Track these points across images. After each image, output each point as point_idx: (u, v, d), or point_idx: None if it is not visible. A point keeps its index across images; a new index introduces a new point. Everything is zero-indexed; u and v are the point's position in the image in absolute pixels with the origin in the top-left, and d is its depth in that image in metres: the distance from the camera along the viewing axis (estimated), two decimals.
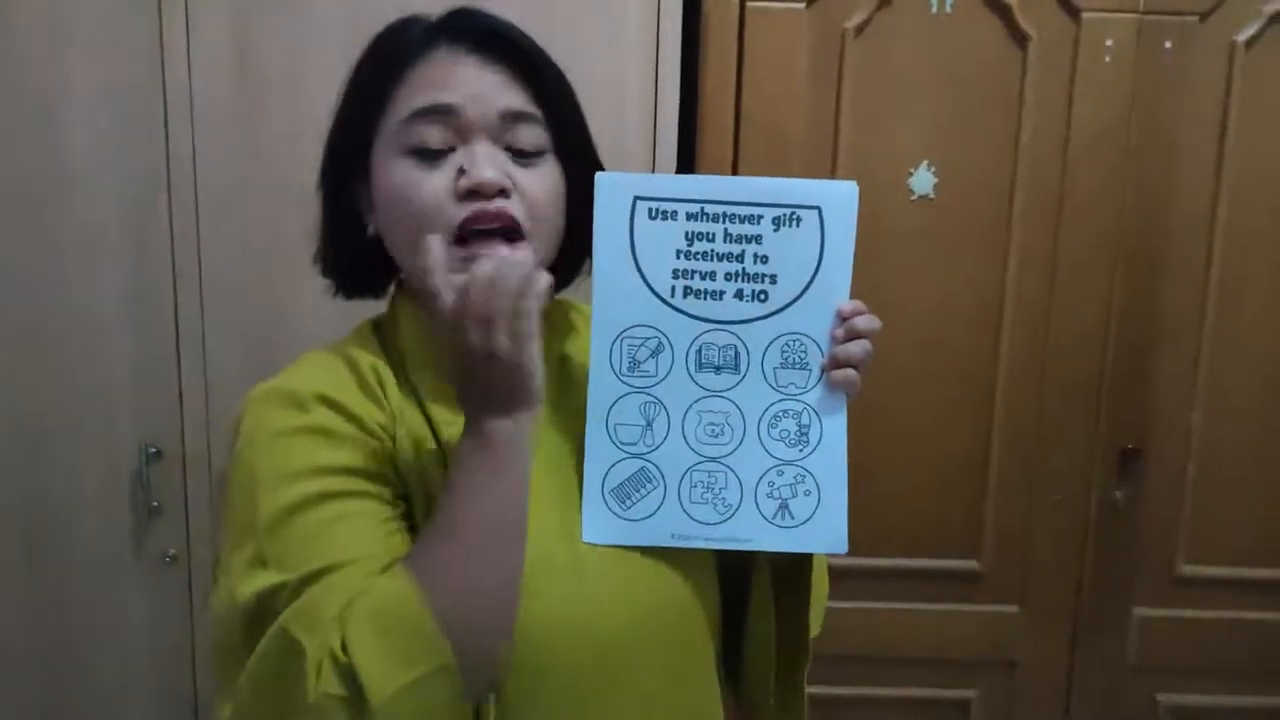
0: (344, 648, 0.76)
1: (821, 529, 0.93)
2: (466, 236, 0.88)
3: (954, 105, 1.75)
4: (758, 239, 0.89)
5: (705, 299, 0.90)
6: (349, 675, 0.75)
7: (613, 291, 0.90)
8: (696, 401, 0.92)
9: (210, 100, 1.68)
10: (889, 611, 1.90)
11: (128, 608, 1.82)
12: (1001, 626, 1.92)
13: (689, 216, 0.89)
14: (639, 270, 0.89)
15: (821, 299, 0.90)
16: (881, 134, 1.76)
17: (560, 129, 0.93)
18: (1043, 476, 1.86)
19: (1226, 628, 1.93)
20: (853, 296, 0.90)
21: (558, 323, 1.02)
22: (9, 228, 1.70)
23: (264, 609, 0.80)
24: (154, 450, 1.76)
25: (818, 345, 0.91)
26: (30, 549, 1.79)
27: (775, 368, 0.91)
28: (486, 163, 0.88)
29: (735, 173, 1.75)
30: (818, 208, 0.89)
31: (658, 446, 0.92)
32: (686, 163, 1.78)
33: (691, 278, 0.89)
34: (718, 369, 0.91)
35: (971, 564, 1.90)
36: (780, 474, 0.92)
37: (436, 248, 0.81)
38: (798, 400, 0.91)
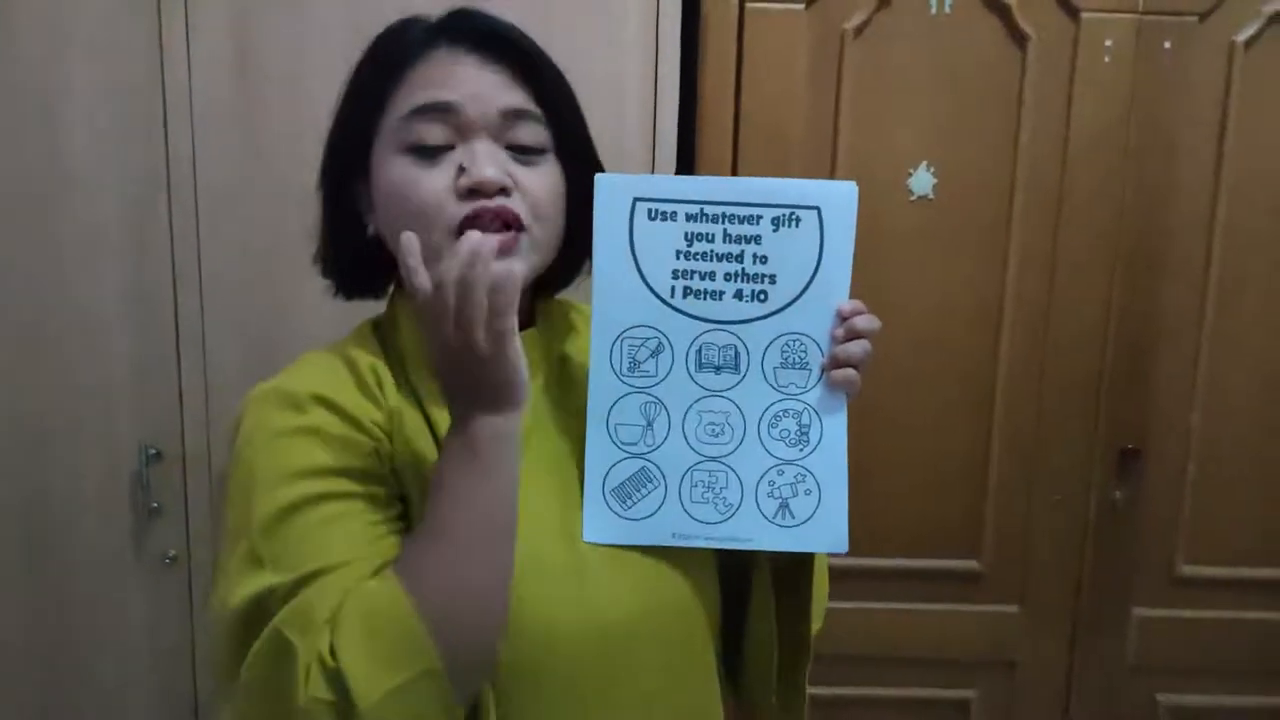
0: (332, 651, 0.76)
1: (822, 528, 0.93)
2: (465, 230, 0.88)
3: (953, 106, 1.75)
4: (757, 239, 0.89)
5: (705, 299, 0.90)
6: (336, 679, 0.75)
7: (613, 292, 0.90)
8: (697, 401, 0.92)
9: (210, 100, 1.68)
10: (888, 611, 1.90)
11: (128, 608, 1.82)
12: (1001, 626, 1.92)
13: (688, 217, 0.89)
14: (639, 270, 0.89)
15: (821, 299, 0.90)
16: (881, 134, 1.76)
17: (560, 129, 0.94)
18: (1042, 476, 1.86)
19: (1226, 628, 1.93)
20: (852, 296, 0.91)
21: (557, 323, 1.02)
22: (9, 228, 1.70)
23: (258, 610, 0.81)
24: (154, 451, 1.76)
25: (817, 345, 0.91)
26: (30, 549, 1.79)
27: (775, 367, 0.91)
28: (487, 161, 0.88)
29: (734, 173, 1.75)
30: (817, 208, 0.89)
31: (658, 446, 0.92)
32: (686, 163, 1.78)
33: (691, 278, 0.90)
34: (718, 369, 0.91)
35: (971, 564, 1.90)
36: (781, 473, 0.92)
37: (414, 245, 0.80)
38: (798, 400, 0.92)
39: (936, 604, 1.91)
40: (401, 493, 0.89)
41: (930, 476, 1.86)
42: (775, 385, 0.91)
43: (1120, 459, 1.85)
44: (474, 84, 0.89)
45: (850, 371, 0.90)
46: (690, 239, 0.89)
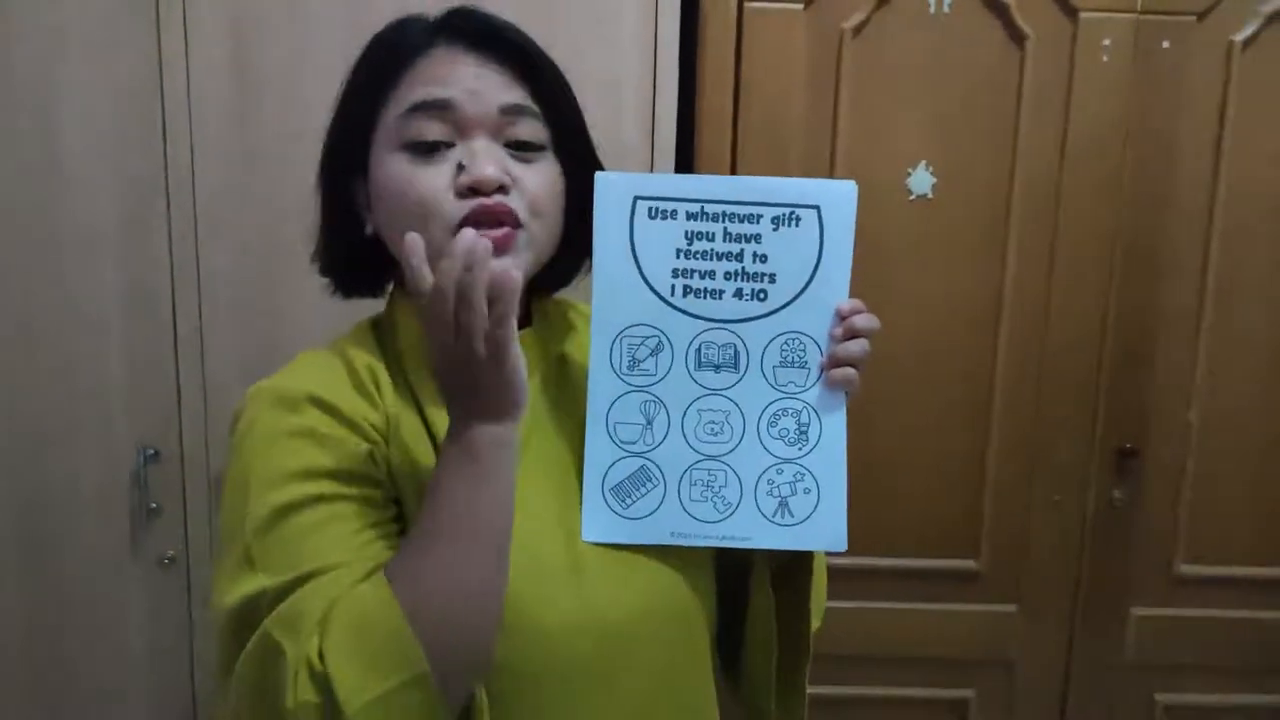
0: (321, 655, 0.76)
1: (821, 527, 0.93)
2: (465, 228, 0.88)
3: (952, 105, 1.75)
4: (757, 238, 0.89)
5: (705, 298, 0.90)
6: (324, 683, 0.75)
7: (612, 290, 0.90)
8: (696, 400, 0.92)
9: (208, 102, 1.68)
10: (887, 611, 1.90)
11: (126, 608, 1.82)
12: (1000, 626, 1.92)
13: (689, 216, 0.89)
14: (639, 269, 0.89)
15: (820, 298, 0.90)
16: (879, 134, 1.76)
17: (559, 126, 0.94)
18: (1041, 476, 1.86)
19: (1224, 627, 1.93)
20: (851, 296, 0.91)
21: (556, 322, 1.02)
22: (7, 229, 1.69)
23: (250, 612, 0.81)
24: (152, 451, 1.76)
25: (817, 344, 0.91)
26: (28, 550, 1.78)
27: (775, 366, 0.91)
28: (486, 159, 0.88)
29: (733, 172, 1.75)
30: (817, 207, 0.89)
31: (657, 445, 0.92)
32: (685, 163, 1.78)
33: (691, 277, 0.90)
34: (717, 368, 0.91)
35: (970, 564, 1.90)
36: (780, 472, 0.92)
37: (419, 245, 0.78)
38: (797, 399, 0.92)
39: (935, 603, 1.91)
40: (396, 495, 0.89)
41: (929, 476, 1.86)
42: (775, 384, 0.91)
43: (1118, 458, 1.85)
44: (472, 81, 0.89)
45: (849, 370, 0.90)
46: (690, 238, 0.89)
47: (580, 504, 0.92)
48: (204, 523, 1.79)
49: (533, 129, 0.91)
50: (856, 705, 1.93)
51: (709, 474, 0.92)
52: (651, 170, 1.74)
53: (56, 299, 1.72)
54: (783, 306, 0.90)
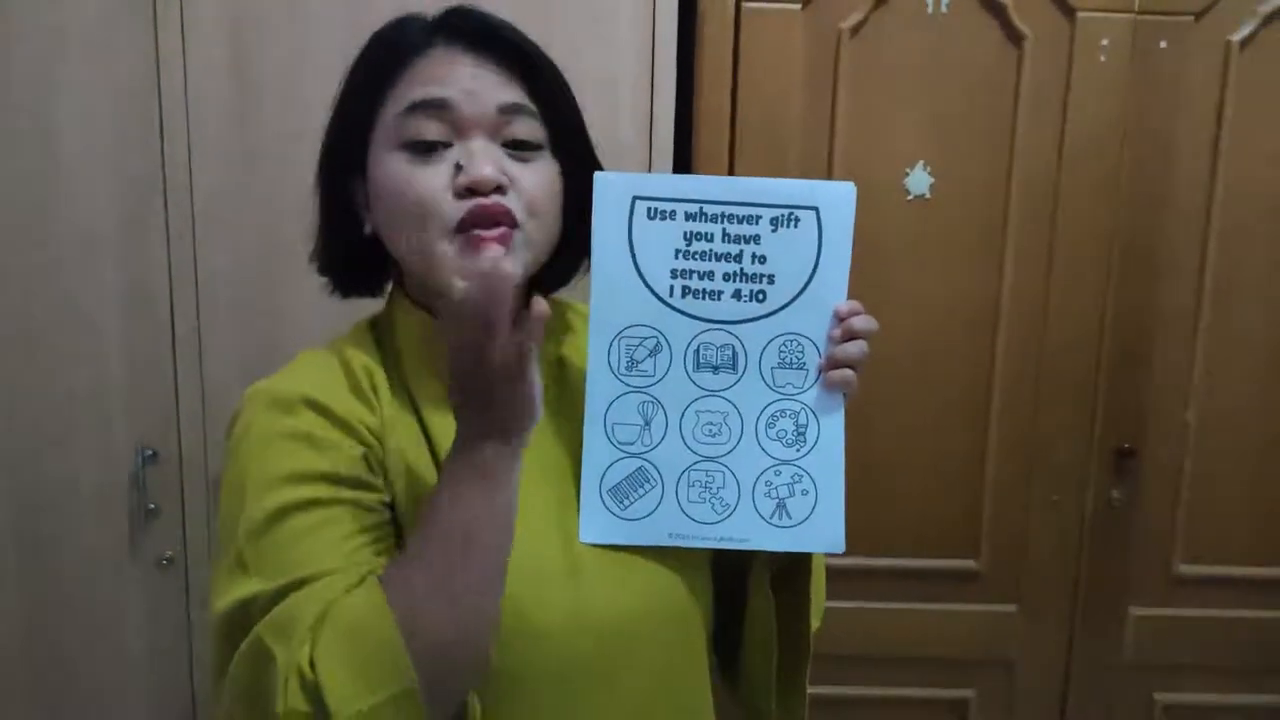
0: (312, 663, 0.76)
1: (819, 528, 0.93)
2: (462, 229, 0.88)
3: (950, 105, 1.75)
4: (756, 239, 0.89)
5: (703, 299, 0.90)
6: (315, 692, 0.75)
7: (611, 291, 0.90)
8: (694, 401, 0.92)
9: (206, 102, 1.68)
10: (887, 611, 1.90)
11: (125, 610, 1.81)
12: (999, 626, 1.92)
13: (688, 216, 0.89)
14: (637, 270, 0.89)
15: (819, 299, 0.90)
16: (877, 134, 1.76)
17: (556, 125, 0.93)
18: (1040, 476, 1.86)
19: (1223, 626, 1.93)
20: (849, 296, 0.91)
21: (554, 322, 1.02)
22: (5, 230, 1.69)
23: (242, 616, 0.81)
24: (150, 452, 1.76)
25: (815, 345, 0.91)
26: (27, 551, 1.78)
27: (773, 368, 0.91)
28: (484, 159, 0.88)
29: (731, 172, 1.75)
30: (815, 208, 0.89)
31: (655, 446, 0.92)
32: (683, 162, 1.78)
33: (690, 277, 0.90)
34: (716, 369, 0.91)
35: (969, 564, 1.90)
36: (778, 474, 0.92)
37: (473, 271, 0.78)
38: (795, 400, 0.92)
39: (934, 604, 1.91)
40: (390, 498, 0.88)
41: (928, 476, 1.86)
42: (773, 385, 0.91)
43: (1117, 458, 1.85)
44: (469, 81, 0.89)
45: (847, 372, 0.90)
46: (689, 238, 0.89)
47: (578, 505, 0.92)
48: (202, 523, 1.79)
49: (530, 128, 0.91)
50: (856, 705, 1.93)
51: (707, 475, 0.92)
52: (649, 170, 1.74)
53: (54, 300, 1.71)
54: (781, 308, 0.90)
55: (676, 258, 0.89)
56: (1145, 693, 1.96)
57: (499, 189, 0.88)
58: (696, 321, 0.90)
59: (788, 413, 0.92)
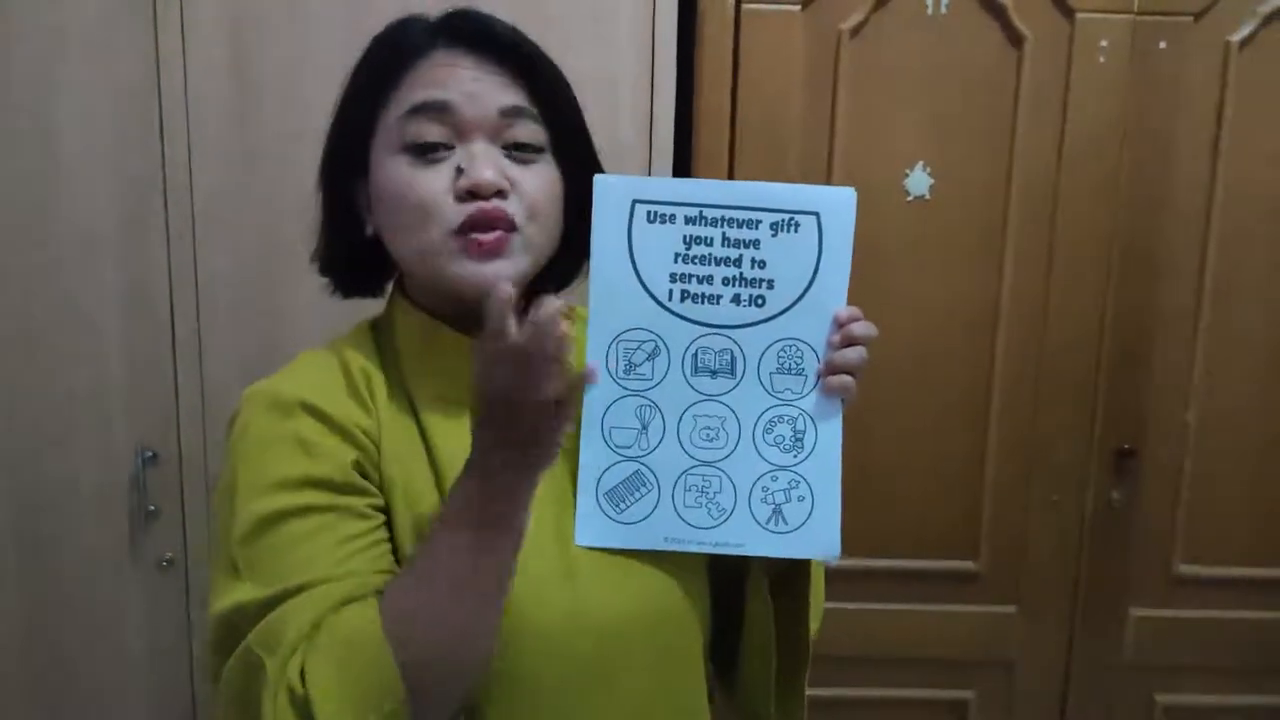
0: (303, 677, 0.76)
1: (814, 535, 0.93)
2: (462, 232, 0.88)
3: (949, 106, 1.75)
4: (756, 244, 0.89)
5: (702, 303, 0.90)
6: (304, 708, 0.76)
7: (610, 294, 0.89)
8: (692, 405, 0.91)
9: (206, 103, 1.68)
10: (886, 612, 1.90)
11: (125, 611, 1.82)
12: (999, 627, 1.92)
13: (687, 220, 0.89)
14: (636, 273, 0.89)
15: (818, 305, 0.90)
16: (877, 135, 1.76)
17: (558, 128, 0.93)
18: (1039, 477, 1.86)
19: (1223, 627, 1.93)
20: (849, 299, 0.90)
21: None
22: (5, 230, 1.69)
23: (234, 622, 0.81)
24: (150, 454, 1.76)
25: (814, 351, 0.91)
26: (27, 552, 1.78)
27: (771, 373, 0.91)
28: (485, 163, 0.88)
29: (731, 174, 1.75)
30: (816, 214, 0.89)
31: (652, 450, 0.92)
32: (682, 162, 1.78)
33: (689, 281, 0.89)
34: (714, 373, 0.91)
35: (969, 565, 1.90)
36: (775, 479, 0.92)
37: (506, 298, 0.74)
38: (793, 406, 0.91)
39: (934, 605, 1.91)
40: (386, 502, 0.88)
41: (927, 477, 1.86)
42: (771, 391, 0.91)
43: (1117, 459, 1.85)
44: (470, 84, 0.89)
45: (846, 378, 0.90)
46: (689, 242, 0.89)
47: (574, 508, 0.92)
48: (202, 525, 1.79)
49: (531, 131, 0.91)
50: (856, 707, 1.93)
51: (704, 480, 0.92)
52: (649, 170, 1.74)
53: (54, 300, 1.72)
54: (780, 313, 0.90)
55: (676, 261, 0.89)
56: (1145, 694, 1.96)
57: (499, 192, 0.88)
58: (695, 325, 0.90)
59: (786, 418, 0.92)
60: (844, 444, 0.92)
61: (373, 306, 1.02)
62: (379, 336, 0.97)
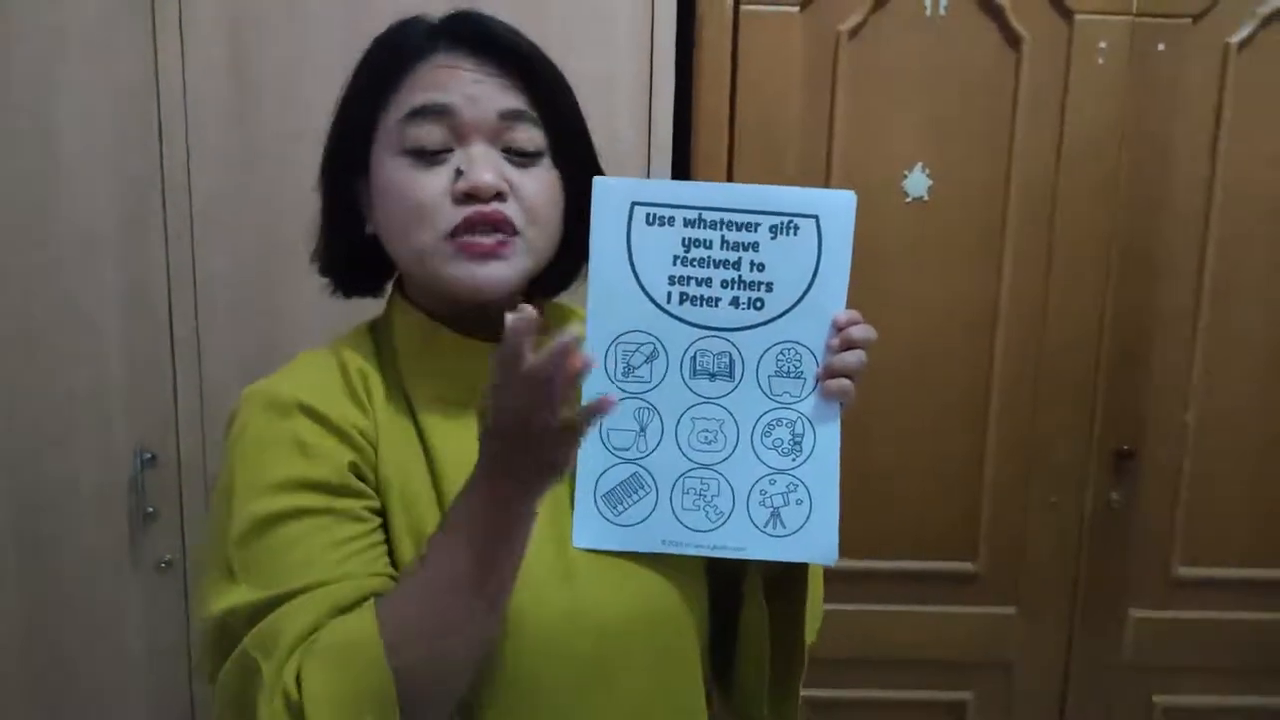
0: (298, 683, 0.76)
1: (812, 538, 0.93)
2: (459, 234, 0.88)
3: (948, 107, 1.75)
4: (755, 246, 0.89)
5: (701, 305, 0.90)
6: (298, 712, 0.76)
7: (609, 296, 0.89)
8: (690, 408, 0.91)
9: (205, 103, 1.68)
10: (885, 614, 1.90)
11: (124, 613, 1.82)
12: (998, 628, 1.92)
13: (686, 223, 0.88)
14: (635, 276, 0.89)
15: (817, 308, 0.90)
16: (876, 136, 1.76)
17: (558, 131, 0.93)
18: (1038, 478, 1.86)
19: (1222, 628, 1.93)
20: (848, 301, 0.90)
21: (552, 327, 1.02)
22: (5, 230, 1.69)
23: (230, 624, 0.81)
24: (149, 456, 1.76)
25: (813, 354, 0.91)
26: (26, 554, 1.78)
27: (770, 376, 0.91)
28: (484, 165, 0.88)
29: (730, 175, 1.75)
30: (815, 217, 0.89)
31: (651, 452, 0.92)
32: (681, 164, 1.78)
33: (688, 284, 0.89)
34: (712, 376, 0.91)
35: (967, 566, 1.90)
36: (772, 482, 0.92)
37: (527, 324, 0.73)
38: (792, 409, 0.91)
39: (933, 606, 1.91)
40: (382, 504, 0.88)
41: (926, 478, 1.86)
42: (769, 394, 0.91)
43: (1116, 460, 1.85)
44: (471, 87, 0.89)
45: (845, 382, 0.90)
46: (688, 245, 0.89)
47: (571, 510, 0.92)
48: (201, 527, 1.78)
49: (531, 135, 0.91)
50: (855, 708, 1.93)
51: (701, 482, 0.92)
52: (648, 171, 1.74)
53: (53, 301, 1.71)
54: (779, 316, 0.90)
55: (675, 264, 0.89)
56: (1144, 694, 1.96)
57: (499, 195, 0.88)
58: (694, 328, 0.90)
59: (784, 421, 0.92)
60: (842, 446, 0.92)
61: (373, 307, 1.02)
62: (378, 337, 0.98)
